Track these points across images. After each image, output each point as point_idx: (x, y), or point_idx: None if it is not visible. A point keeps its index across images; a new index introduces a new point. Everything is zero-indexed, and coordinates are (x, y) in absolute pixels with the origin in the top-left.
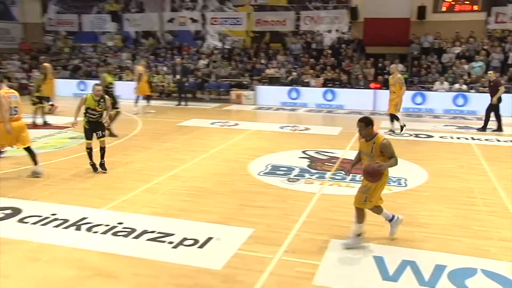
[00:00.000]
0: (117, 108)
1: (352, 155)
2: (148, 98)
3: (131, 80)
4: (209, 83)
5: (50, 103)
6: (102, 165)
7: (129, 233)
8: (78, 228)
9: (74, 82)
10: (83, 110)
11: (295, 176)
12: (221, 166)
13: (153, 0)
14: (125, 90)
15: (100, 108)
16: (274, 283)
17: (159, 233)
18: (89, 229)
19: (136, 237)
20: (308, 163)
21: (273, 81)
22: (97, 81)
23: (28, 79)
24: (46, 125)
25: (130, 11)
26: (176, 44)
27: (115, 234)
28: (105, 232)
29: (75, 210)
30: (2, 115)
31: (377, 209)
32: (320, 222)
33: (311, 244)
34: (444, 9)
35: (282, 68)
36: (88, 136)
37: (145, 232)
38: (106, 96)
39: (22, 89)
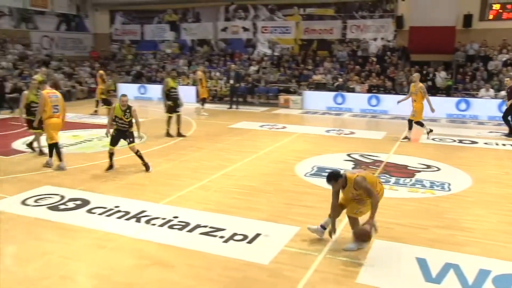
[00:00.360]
0: (178, 112)
1: (395, 159)
2: (203, 101)
3: (187, 85)
4: (258, 88)
5: (95, 109)
6: (145, 165)
7: (183, 227)
8: (138, 220)
9: (136, 86)
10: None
11: None
12: (270, 166)
13: (209, 11)
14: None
15: (126, 118)
16: (319, 280)
17: (211, 227)
18: (147, 222)
19: (190, 230)
20: (353, 165)
21: (319, 86)
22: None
23: (96, 83)
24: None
25: (187, 21)
26: (228, 51)
27: (171, 227)
28: (162, 225)
29: (136, 204)
30: (40, 111)
31: (355, 221)
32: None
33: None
34: (491, 17)
35: (328, 74)
36: (113, 143)
37: (198, 226)
38: (133, 107)
39: (91, 92)
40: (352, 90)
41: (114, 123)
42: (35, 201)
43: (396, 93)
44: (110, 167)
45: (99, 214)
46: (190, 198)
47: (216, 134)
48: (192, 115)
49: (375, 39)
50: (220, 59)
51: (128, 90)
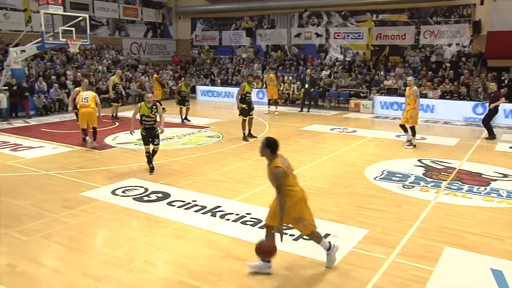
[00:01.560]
0: (251, 115)
1: (469, 166)
2: (275, 102)
3: (261, 87)
4: (330, 92)
5: (162, 106)
6: (152, 168)
7: (255, 223)
8: (214, 215)
9: (212, 89)
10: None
11: (410, 183)
12: (339, 169)
13: (283, 18)
14: (255, 95)
15: (153, 114)
16: (387, 283)
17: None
18: (222, 216)
19: (262, 227)
20: (424, 171)
21: (390, 91)
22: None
23: (177, 85)
24: (183, 122)
25: (263, 28)
26: (301, 56)
27: (244, 223)
28: (235, 220)
29: (211, 199)
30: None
31: (317, 236)
32: (434, 229)
33: (425, 250)
34: None
35: (400, 79)
36: (146, 142)
37: None
38: (158, 104)
39: (172, 94)
40: (424, 96)
41: (141, 124)
42: (123, 192)
43: (471, 99)
44: (152, 169)
45: (178, 206)
46: (262, 196)
47: (288, 136)
48: (264, 116)
49: (449, 45)
50: (293, 64)
51: (204, 92)
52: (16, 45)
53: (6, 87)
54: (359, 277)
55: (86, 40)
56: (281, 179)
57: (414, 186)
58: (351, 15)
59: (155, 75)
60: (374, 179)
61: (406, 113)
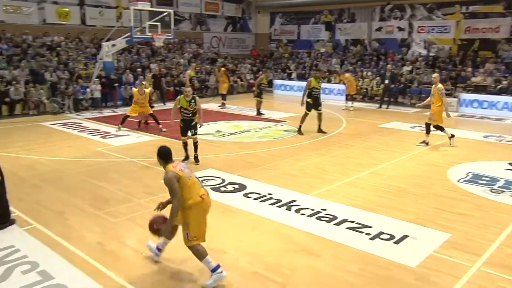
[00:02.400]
0: (319, 110)
1: None
2: (351, 97)
3: (339, 82)
4: (411, 89)
5: (222, 101)
6: (195, 157)
7: (331, 219)
8: (289, 209)
9: (289, 83)
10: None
11: (499, 187)
12: (419, 168)
13: (364, 11)
14: (332, 91)
15: (191, 107)
16: None
17: (357, 223)
18: (297, 211)
19: (337, 224)
20: None
21: (479, 89)
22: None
23: (255, 79)
24: (259, 115)
25: (342, 21)
26: (381, 51)
27: (319, 218)
28: (310, 215)
29: (287, 193)
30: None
31: (199, 252)
32: None
33: None
34: None
35: (490, 76)
36: (183, 134)
37: (345, 220)
38: (197, 98)
39: (250, 87)
40: None
41: (181, 115)
42: (202, 182)
43: None
44: (186, 158)
45: (254, 199)
46: (338, 193)
47: (366, 133)
48: (341, 112)
49: None
50: (373, 59)
51: (282, 86)
52: (108, 40)
53: (97, 79)
54: (440, 283)
55: (170, 34)
56: (171, 182)
57: (504, 191)
58: (437, 7)
59: (222, 68)
60: (458, 181)
61: (432, 111)
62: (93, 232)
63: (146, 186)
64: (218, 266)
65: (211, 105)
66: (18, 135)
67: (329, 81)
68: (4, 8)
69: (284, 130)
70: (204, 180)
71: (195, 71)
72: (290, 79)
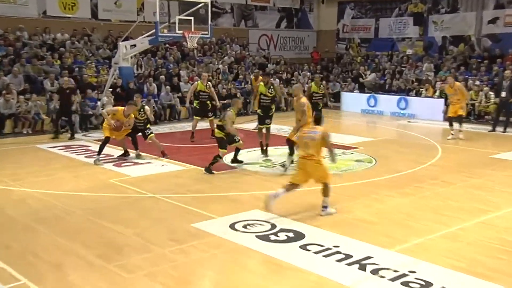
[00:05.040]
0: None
1: None
2: (458, 119)
3: (431, 97)
4: None
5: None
6: (208, 168)
7: (422, 287)
8: (362, 268)
9: (364, 97)
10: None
11: None
12: None
13: None
14: (423, 108)
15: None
16: None
17: None
18: (374, 272)
19: None
20: None
21: None
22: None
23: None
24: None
25: (438, 12)
26: (495, 51)
27: (405, 284)
28: (393, 279)
29: (359, 246)
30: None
31: None
32: None
33: None
34: None
35: None
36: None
37: None
38: (146, 107)
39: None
40: None
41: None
42: (244, 227)
43: None
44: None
45: (314, 252)
46: (432, 249)
47: (471, 165)
48: (437, 136)
49: None
50: (482, 63)
51: (353, 101)
52: (125, 39)
53: (111, 89)
54: None
55: (206, 32)
56: None
57: None
58: None
59: (261, 77)
60: None
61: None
62: None
63: (171, 231)
64: None
65: (247, 125)
66: (8, 161)
67: (418, 93)
68: None
69: (356, 160)
70: (248, 224)
71: (206, 82)
72: (364, 90)
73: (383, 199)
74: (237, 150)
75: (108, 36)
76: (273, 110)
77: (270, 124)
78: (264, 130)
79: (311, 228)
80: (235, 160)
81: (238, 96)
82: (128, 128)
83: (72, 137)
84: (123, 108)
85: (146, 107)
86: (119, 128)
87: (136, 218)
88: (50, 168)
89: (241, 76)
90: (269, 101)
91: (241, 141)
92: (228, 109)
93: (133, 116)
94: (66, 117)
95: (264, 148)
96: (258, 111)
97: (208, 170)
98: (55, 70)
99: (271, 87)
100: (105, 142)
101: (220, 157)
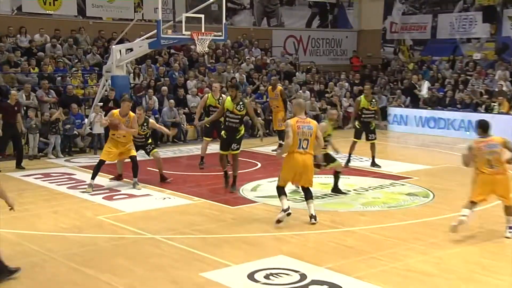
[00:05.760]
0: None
1: None
2: None
3: (507, 113)
4: None
5: (279, 141)
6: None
7: None
8: None
9: (417, 113)
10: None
11: None
12: None
13: None
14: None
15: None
16: None
17: None
18: None
19: None
20: None
21: None
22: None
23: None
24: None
25: None
26: None
27: None
28: None
29: None
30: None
31: None
32: None
33: None
34: None
35: None
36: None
37: None
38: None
39: (347, 120)
40: None
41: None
42: (266, 277)
43: None
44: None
45: None
46: None
47: None
48: None
49: None
50: None
51: (403, 118)
52: (120, 42)
53: (101, 103)
54: None
55: (219, 33)
56: None
57: None
58: None
59: (280, 87)
60: None
61: None
62: None
63: (174, 283)
64: None
65: (262, 148)
66: None
67: (489, 109)
68: None
69: (408, 194)
70: (271, 275)
71: (218, 94)
72: (416, 105)
73: (443, 244)
74: (336, 176)
75: (99, 38)
76: (242, 132)
77: (237, 150)
78: (229, 158)
79: (351, 280)
80: (335, 188)
81: (258, 112)
82: (129, 132)
83: (18, 166)
84: (117, 110)
85: (151, 120)
86: (117, 126)
87: (130, 265)
88: (23, 201)
89: (262, 88)
90: (237, 120)
91: (338, 160)
92: (322, 121)
93: (133, 115)
94: (13, 139)
95: (231, 180)
96: (222, 133)
97: (337, 190)
98: (32, 80)
99: (240, 103)
100: (99, 165)
101: (340, 172)
